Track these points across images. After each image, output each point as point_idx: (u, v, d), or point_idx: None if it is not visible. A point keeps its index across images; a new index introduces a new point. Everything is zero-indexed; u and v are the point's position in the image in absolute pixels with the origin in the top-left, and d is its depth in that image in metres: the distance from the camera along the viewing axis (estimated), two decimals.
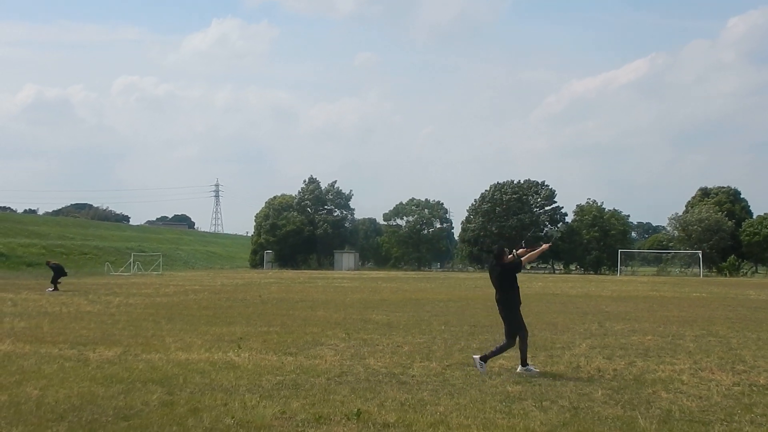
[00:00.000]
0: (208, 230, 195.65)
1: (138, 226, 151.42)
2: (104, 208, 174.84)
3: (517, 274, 13.08)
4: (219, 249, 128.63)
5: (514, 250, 13.40)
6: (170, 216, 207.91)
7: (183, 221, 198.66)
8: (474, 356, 12.72)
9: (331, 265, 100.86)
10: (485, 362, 12.38)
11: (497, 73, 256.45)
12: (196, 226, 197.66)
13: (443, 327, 19.39)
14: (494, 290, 13.14)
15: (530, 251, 13.63)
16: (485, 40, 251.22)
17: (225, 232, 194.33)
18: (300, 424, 8.51)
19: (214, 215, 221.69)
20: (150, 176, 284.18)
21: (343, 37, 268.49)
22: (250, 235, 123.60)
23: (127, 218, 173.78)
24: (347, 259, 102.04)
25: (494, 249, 13.49)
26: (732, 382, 11.61)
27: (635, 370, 12.66)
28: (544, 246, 14.29)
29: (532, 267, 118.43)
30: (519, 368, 12.39)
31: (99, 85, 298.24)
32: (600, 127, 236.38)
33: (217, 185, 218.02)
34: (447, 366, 12.85)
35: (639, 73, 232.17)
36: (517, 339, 12.63)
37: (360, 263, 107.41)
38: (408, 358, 13.68)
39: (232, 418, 8.76)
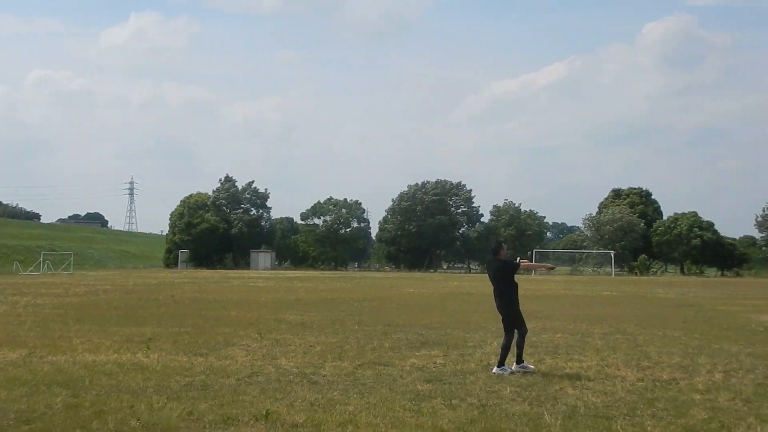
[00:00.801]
0: (122, 229, 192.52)
1: (49, 224, 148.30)
2: (14, 205, 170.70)
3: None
4: (133, 248, 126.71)
5: (518, 258, 13.72)
6: (83, 214, 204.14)
7: (96, 219, 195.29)
8: (493, 371, 12.33)
9: (247, 265, 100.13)
10: (504, 364, 12.38)
11: (420, 72, 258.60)
12: (109, 225, 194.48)
13: (357, 326, 19.42)
14: (491, 288, 13.14)
15: (531, 262, 13.94)
16: (409, 39, 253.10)
17: (139, 230, 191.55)
18: (207, 426, 8.43)
19: (128, 213, 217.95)
20: (63, 173, 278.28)
21: (265, 33, 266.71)
22: (165, 234, 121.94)
23: (37, 216, 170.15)
24: (263, 258, 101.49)
25: (492, 244, 13.55)
26: (636, 377, 11.90)
27: (544, 367, 12.89)
28: (549, 265, 14.55)
29: (448, 267, 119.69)
30: (514, 366, 12.37)
31: (12, 78, 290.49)
32: (520, 128, 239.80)
33: (131, 183, 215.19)
34: (359, 365, 12.87)
35: (558, 76, 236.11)
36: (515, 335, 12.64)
37: (276, 263, 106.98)
38: (320, 358, 13.67)
39: (138, 420, 8.63)
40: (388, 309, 25.77)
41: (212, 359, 13.42)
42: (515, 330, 12.57)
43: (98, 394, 10.13)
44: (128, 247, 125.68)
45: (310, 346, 15.39)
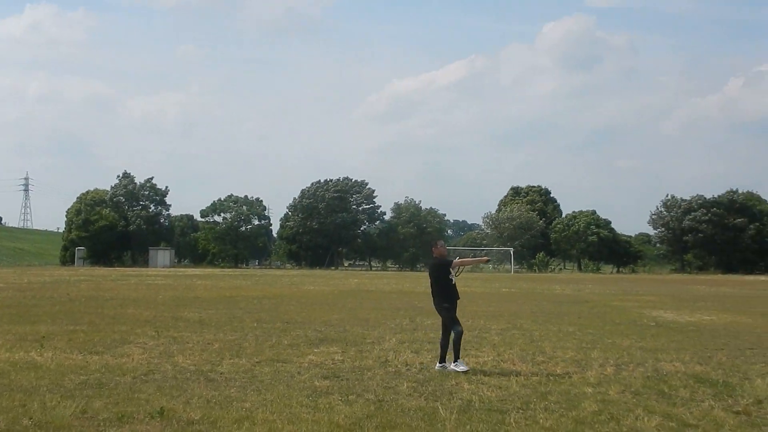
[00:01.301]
0: (16, 226, 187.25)
1: None
2: None
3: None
4: (28, 245, 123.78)
5: (457, 256, 13.74)
6: None
7: None
8: (436, 367, 12.44)
9: (146, 263, 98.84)
10: (444, 362, 12.43)
11: (322, 70, 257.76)
12: (3, 222, 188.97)
13: (256, 324, 19.39)
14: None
15: (465, 259, 13.90)
16: (311, 36, 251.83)
17: (35, 227, 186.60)
18: (101, 424, 8.33)
19: (23, 210, 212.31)
20: None
21: (165, 28, 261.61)
22: (61, 231, 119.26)
23: None
24: (162, 256, 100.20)
25: (430, 242, 13.44)
26: (531, 372, 12.19)
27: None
28: (484, 258, 14.53)
29: (350, 264, 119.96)
30: (437, 365, 12.43)
31: None
32: (421, 127, 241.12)
33: (26, 179, 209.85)
34: (257, 362, 12.86)
35: (459, 75, 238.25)
36: (446, 333, 12.65)
37: (176, 260, 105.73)
38: (218, 356, 13.61)
39: (30, 418, 8.48)
40: (287, 306, 25.74)
41: (108, 357, 13.24)
42: (453, 328, 12.47)
43: None
44: (23, 245, 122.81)
45: (208, 343, 15.31)
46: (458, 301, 12.92)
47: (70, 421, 8.40)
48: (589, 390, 10.66)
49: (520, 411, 9.23)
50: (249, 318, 21.03)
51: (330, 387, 10.66)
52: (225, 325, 19.12)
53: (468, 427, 8.39)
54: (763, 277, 78.87)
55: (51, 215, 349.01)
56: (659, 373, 12.28)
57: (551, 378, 11.67)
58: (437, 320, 20.56)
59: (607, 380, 11.49)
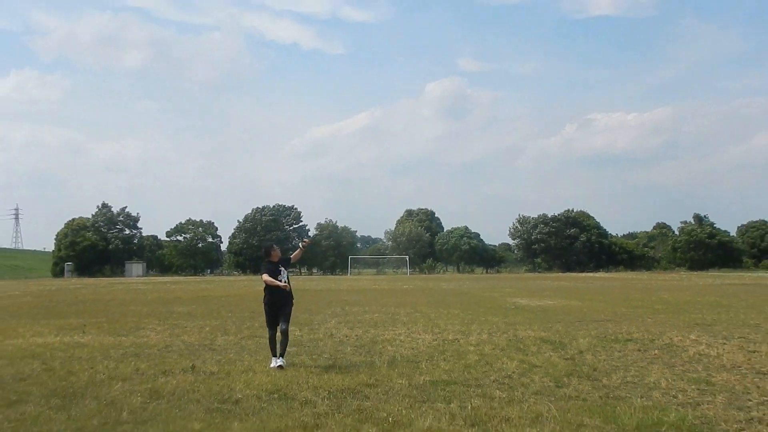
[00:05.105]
0: (9, 246, 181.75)
1: None
2: None
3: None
4: (21, 262, 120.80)
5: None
6: None
7: None
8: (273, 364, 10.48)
9: (122, 273, 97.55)
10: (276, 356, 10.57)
11: (256, 119, 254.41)
12: None
13: (230, 314, 20.54)
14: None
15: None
16: (246, 92, 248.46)
17: (25, 248, 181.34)
18: (153, 376, 9.63)
19: (14, 234, 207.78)
20: None
21: (127, 86, 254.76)
22: (48, 251, 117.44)
23: None
24: (136, 268, 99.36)
25: (263, 247, 11.30)
26: (432, 338, 13.76)
27: (370, 335, 14.58)
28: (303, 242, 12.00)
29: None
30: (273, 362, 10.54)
31: None
32: (333, 163, 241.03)
33: (17, 209, 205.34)
34: (242, 338, 14.18)
35: (362, 123, 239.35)
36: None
37: (147, 271, 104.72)
38: (211, 334, 14.86)
39: (103, 374, 9.77)
40: (247, 302, 26.49)
41: (132, 338, 14.32)
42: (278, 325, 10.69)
43: (62, 361, 11.01)
44: (17, 262, 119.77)
45: (201, 327, 16.47)
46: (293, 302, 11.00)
47: (131, 375, 9.71)
48: (471, 348, 12.28)
49: (428, 361, 10.79)
50: (224, 310, 22.09)
51: (298, 351, 12.06)
52: (207, 315, 20.18)
53: (396, 370, 9.96)
54: (591, 274, 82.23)
55: (37, 238, 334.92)
56: (517, 337, 13.95)
57: (446, 342, 13.23)
58: (360, 308, 22.20)
59: (483, 342, 13.10)
